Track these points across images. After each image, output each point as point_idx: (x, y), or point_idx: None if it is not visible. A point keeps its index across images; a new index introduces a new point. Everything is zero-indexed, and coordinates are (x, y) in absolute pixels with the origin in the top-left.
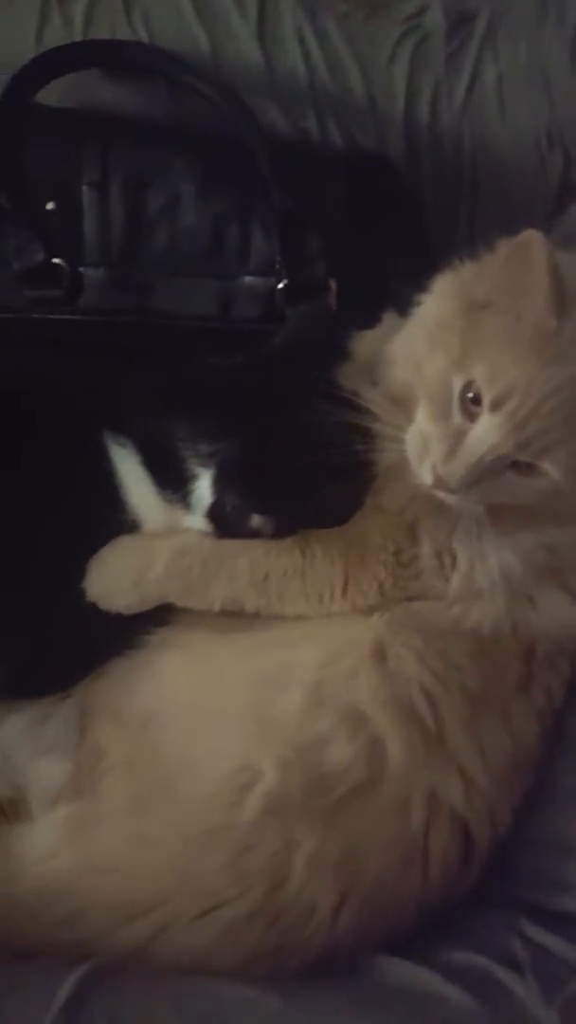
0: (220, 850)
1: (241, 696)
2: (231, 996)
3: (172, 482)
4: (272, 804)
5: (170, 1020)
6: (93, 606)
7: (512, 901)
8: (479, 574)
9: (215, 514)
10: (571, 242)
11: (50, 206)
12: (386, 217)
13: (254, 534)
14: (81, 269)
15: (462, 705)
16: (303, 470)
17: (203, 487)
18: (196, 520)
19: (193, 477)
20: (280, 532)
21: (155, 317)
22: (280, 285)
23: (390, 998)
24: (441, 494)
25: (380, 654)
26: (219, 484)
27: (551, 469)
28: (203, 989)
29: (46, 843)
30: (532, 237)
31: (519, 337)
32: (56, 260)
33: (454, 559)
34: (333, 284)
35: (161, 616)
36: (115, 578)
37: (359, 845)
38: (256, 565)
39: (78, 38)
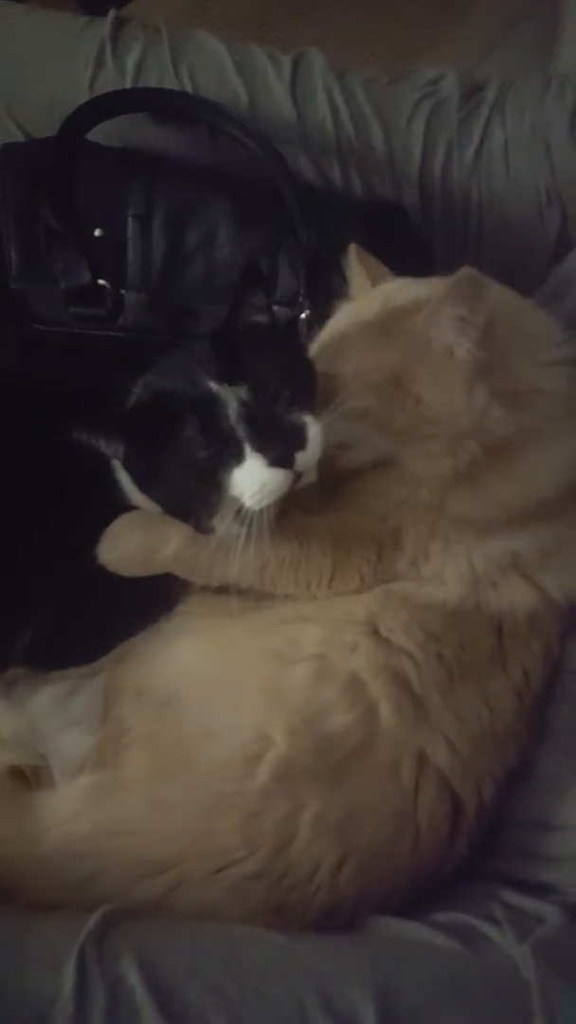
0: (232, 814)
1: (254, 671)
2: (240, 933)
3: None
4: (281, 770)
5: (186, 948)
6: (110, 583)
7: (495, 874)
8: (448, 570)
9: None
10: (567, 288)
11: (98, 233)
12: (399, 260)
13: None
14: (123, 291)
15: (439, 673)
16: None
17: None
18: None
19: None
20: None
21: (187, 337)
22: (303, 315)
23: (383, 942)
24: None
25: (373, 626)
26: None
27: None
28: (214, 927)
29: (68, 808)
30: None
31: None
32: (101, 281)
33: (428, 559)
34: None
35: (179, 595)
36: (126, 552)
37: (358, 806)
38: (258, 554)
39: (129, 85)
